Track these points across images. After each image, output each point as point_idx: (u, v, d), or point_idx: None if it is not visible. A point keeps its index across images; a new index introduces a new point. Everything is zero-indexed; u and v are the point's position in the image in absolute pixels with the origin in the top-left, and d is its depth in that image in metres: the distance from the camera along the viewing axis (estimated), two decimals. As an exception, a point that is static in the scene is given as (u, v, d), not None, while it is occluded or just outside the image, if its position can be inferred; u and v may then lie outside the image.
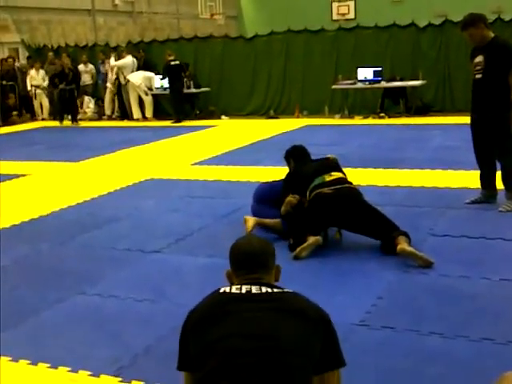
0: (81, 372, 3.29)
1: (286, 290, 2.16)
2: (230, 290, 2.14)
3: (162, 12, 22.15)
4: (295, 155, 5.68)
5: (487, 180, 6.12)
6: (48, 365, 3.39)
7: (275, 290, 2.14)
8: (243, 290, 2.11)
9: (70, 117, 15.63)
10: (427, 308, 3.89)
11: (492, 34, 5.94)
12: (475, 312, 3.79)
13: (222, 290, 2.16)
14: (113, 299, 4.28)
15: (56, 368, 3.35)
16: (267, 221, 5.42)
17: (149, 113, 15.53)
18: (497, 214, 5.69)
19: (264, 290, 2.11)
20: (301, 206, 5.24)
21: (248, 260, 2.20)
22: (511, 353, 3.28)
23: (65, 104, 15.46)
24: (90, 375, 3.26)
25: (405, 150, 9.44)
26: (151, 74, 15.44)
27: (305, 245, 4.92)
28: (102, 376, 3.25)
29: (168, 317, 3.79)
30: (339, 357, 2.17)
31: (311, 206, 5.14)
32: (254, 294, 2.10)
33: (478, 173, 6.21)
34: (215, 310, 2.10)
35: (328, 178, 5.23)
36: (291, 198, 5.30)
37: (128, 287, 4.48)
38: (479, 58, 5.93)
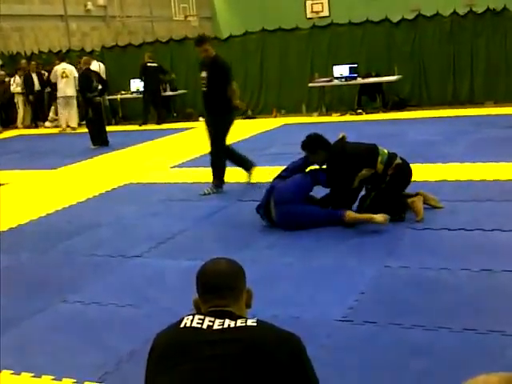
0: (65, 380, 3.28)
1: (249, 324, 1.99)
2: (192, 321, 2.03)
3: (135, 15, 22.02)
4: (322, 143, 5.76)
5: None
6: (32, 374, 3.37)
7: (239, 323, 2.00)
8: (204, 325, 2.00)
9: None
10: (409, 301, 3.91)
11: (214, 53, 7.03)
12: (457, 303, 3.82)
13: (183, 324, 2.05)
14: (95, 306, 4.26)
15: (40, 377, 3.33)
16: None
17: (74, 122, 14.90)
18: (473, 205, 5.73)
19: (227, 324, 2.00)
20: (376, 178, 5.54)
21: (214, 282, 2.09)
22: (494, 342, 3.31)
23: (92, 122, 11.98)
24: (75, 383, 3.24)
25: (383, 144, 9.41)
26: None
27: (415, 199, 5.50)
28: (87, 383, 3.23)
29: (151, 321, 3.76)
30: None
31: (401, 173, 5.58)
32: (216, 330, 1.98)
33: (456, 165, 6.28)
34: (171, 352, 2.01)
35: (385, 150, 5.70)
36: (366, 171, 5.49)
37: (110, 293, 4.46)
38: (204, 74, 7.18)
